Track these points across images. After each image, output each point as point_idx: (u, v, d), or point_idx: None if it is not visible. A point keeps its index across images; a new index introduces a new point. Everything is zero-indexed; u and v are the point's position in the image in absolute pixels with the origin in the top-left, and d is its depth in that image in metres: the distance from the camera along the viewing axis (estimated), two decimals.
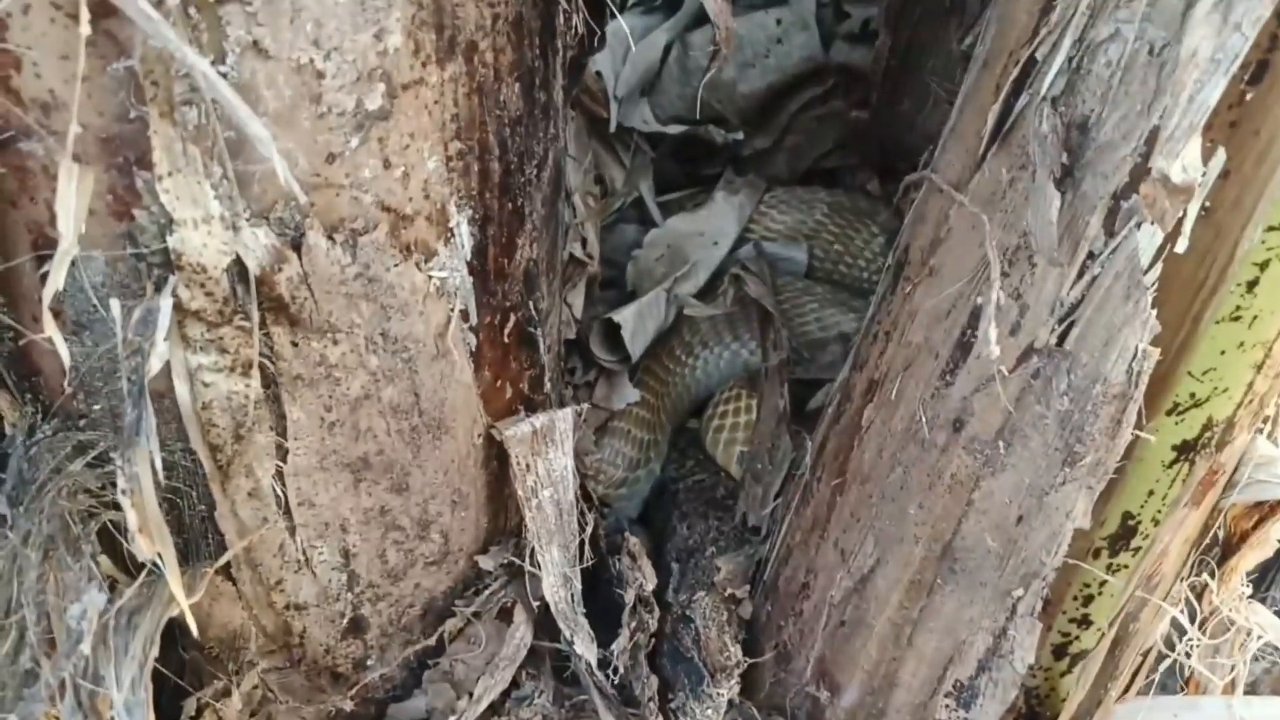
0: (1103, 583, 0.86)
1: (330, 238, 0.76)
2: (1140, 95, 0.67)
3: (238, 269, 0.74)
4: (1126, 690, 0.96)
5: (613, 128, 1.40)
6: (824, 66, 1.45)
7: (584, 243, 1.22)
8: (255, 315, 0.77)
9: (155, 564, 0.72)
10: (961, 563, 0.86)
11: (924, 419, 0.85)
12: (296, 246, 0.75)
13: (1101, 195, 0.70)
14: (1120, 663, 0.91)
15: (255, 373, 0.80)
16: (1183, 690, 1.00)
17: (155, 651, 0.74)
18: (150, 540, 0.68)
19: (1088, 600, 0.88)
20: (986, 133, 0.76)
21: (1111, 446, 0.78)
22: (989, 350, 0.76)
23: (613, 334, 1.27)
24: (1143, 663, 0.97)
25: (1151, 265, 0.71)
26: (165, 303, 0.70)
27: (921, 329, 0.84)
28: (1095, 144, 0.70)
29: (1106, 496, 0.81)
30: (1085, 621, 0.89)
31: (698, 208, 1.49)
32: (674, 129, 1.47)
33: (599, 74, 1.34)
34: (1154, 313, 0.72)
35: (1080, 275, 0.73)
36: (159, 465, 0.67)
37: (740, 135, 1.50)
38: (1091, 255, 0.72)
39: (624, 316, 1.25)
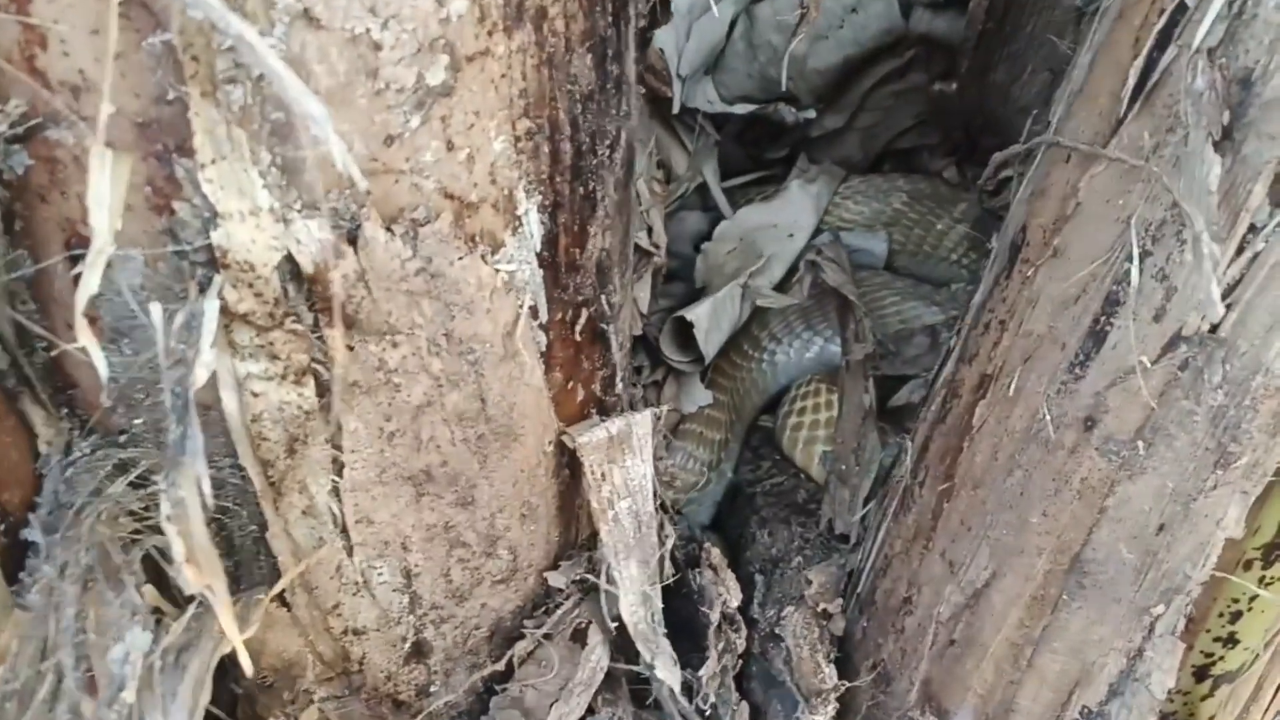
0: (1253, 597, 0.77)
1: (389, 229, 0.69)
2: None
3: (289, 266, 0.67)
4: (1266, 713, 0.87)
5: (676, 108, 1.32)
6: (903, 37, 1.36)
7: (649, 231, 1.14)
8: (308, 317, 0.70)
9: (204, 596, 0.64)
10: (1092, 577, 0.78)
11: (1048, 417, 0.76)
12: (352, 240, 0.68)
13: (1267, 159, 0.62)
14: (1265, 685, 0.82)
15: (309, 380, 0.73)
16: None
17: (207, 695, 0.67)
18: (198, 570, 0.61)
19: (1235, 617, 0.79)
20: (1126, 92, 0.67)
21: (1271, 445, 0.69)
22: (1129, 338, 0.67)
23: (683, 333, 1.19)
24: None
25: None
26: (211, 305, 0.63)
27: (1045, 317, 0.76)
28: (1260, 100, 0.61)
29: (1262, 501, 0.72)
30: (1231, 640, 0.80)
31: (770, 198, 1.40)
32: (741, 109, 1.38)
33: (661, 51, 1.26)
34: None
35: (1240, 251, 0.64)
36: (207, 487, 0.60)
37: (812, 114, 1.41)
38: (1254, 228, 0.64)
39: (697, 315, 1.17)
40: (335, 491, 0.80)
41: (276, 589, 0.74)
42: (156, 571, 0.74)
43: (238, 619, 0.72)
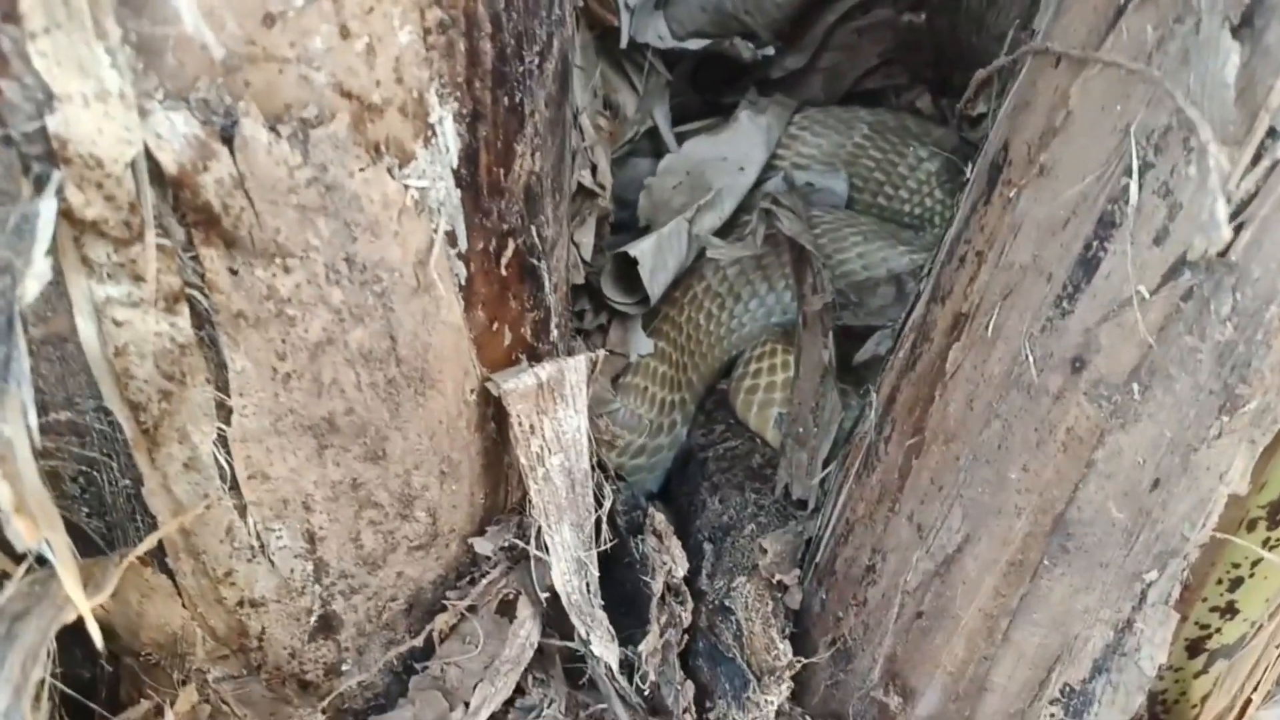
0: (1256, 561, 0.69)
1: (273, 129, 0.59)
2: None
3: (148, 166, 0.56)
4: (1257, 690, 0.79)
5: (624, 43, 1.22)
6: None
7: (594, 170, 1.04)
8: (178, 232, 0.60)
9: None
10: (1077, 539, 0.69)
11: (1031, 359, 0.67)
12: (227, 139, 0.58)
13: None
14: (1263, 660, 0.74)
15: (183, 308, 0.63)
16: None
17: (41, 670, 0.56)
18: (31, 522, 0.51)
19: (1236, 584, 0.71)
20: None
21: None
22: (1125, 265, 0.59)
23: (627, 272, 1.09)
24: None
25: None
26: (46, 205, 0.53)
27: (1029, 245, 0.67)
28: None
29: (1270, 453, 0.64)
30: (1230, 610, 0.72)
31: (718, 129, 1.30)
32: (694, 44, 1.29)
33: None
34: None
35: (1256, 160, 0.56)
36: (34, 420, 0.50)
37: (771, 51, 1.31)
38: (1274, 132, 0.55)
39: (641, 251, 1.07)
40: (222, 441, 0.70)
41: (143, 548, 0.64)
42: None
43: (94, 584, 0.62)
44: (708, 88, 1.40)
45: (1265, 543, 0.68)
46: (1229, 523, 0.67)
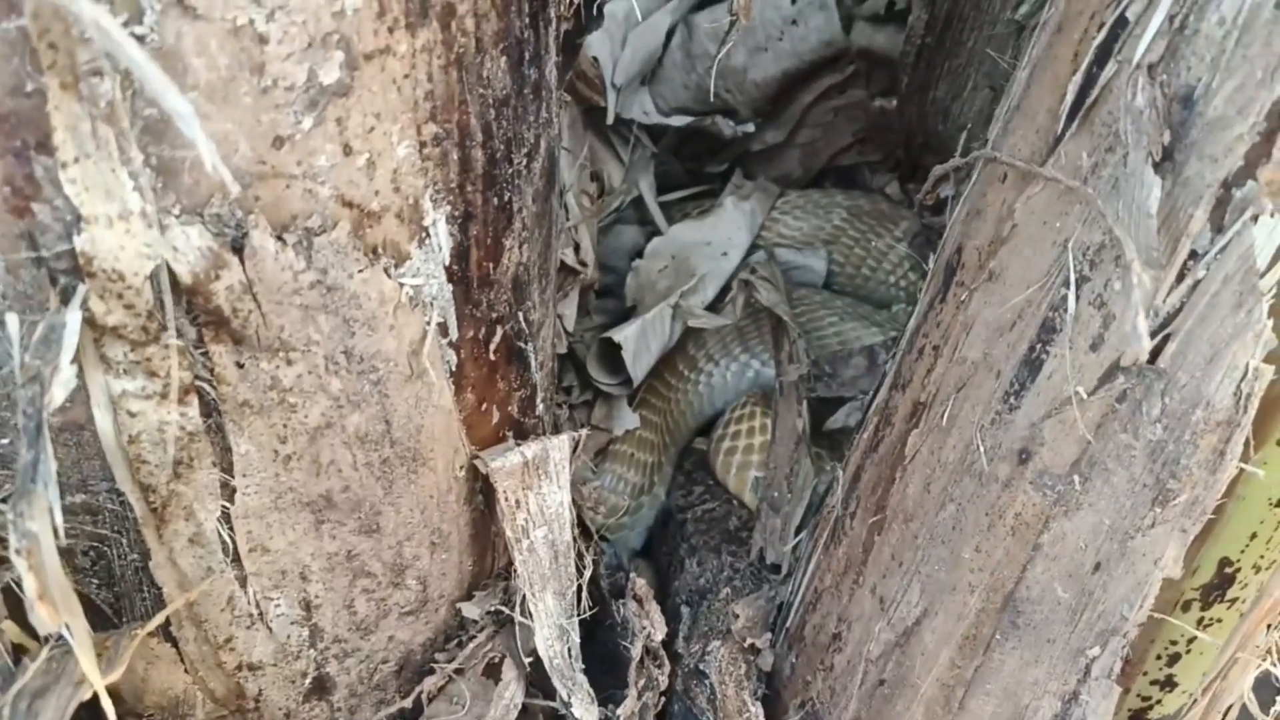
0: (1191, 639, 0.74)
1: (280, 238, 0.64)
2: (1262, 59, 0.56)
3: (165, 277, 0.61)
4: None
5: (610, 119, 1.27)
6: (844, 51, 1.33)
7: (576, 248, 1.09)
8: (190, 332, 0.64)
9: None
10: (1025, 616, 0.74)
11: (982, 448, 0.72)
12: (238, 249, 0.63)
13: (1209, 183, 0.58)
14: None
15: (193, 400, 0.68)
16: None
17: None
18: (53, 609, 0.55)
19: (1173, 660, 0.76)
20: (1065, 109, 0.64)
21: (1211, 482, 0.66)
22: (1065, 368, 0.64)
23: (612, 354, 1.14)
24: None
25: (1270, 268, 0.59)
26: (72, 317, 0.58)
27: (979, 343, 0.72)
28: (1203, 120, 0.58)
29: (1201, 540, 0.69)
30: (1169, 684, 0.77)
31: (704, 215, 1.36)
32: (678, 121, 1.34)
33: (595, 59, 1.21)
34: (1270, 324, 0.60)
35: (1180, 279, 0.61)
36: (59, 518, 0.54)
37: (751, 127, 1.37)
38: (1195, 255, 0.60)
39: (625, 336, 1.12)
40: (226, 518, 0.74)
41: (152, 624, 0.69)
42: (19, 607, 0.68)
43: (106, 658, 0.66)
44: (691, 158, 1.45)
45: (1199, 622, 0.73)
46: (1166, 604, 0.71)
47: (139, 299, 0.61)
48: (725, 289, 1.28)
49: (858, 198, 1.39)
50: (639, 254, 1.34)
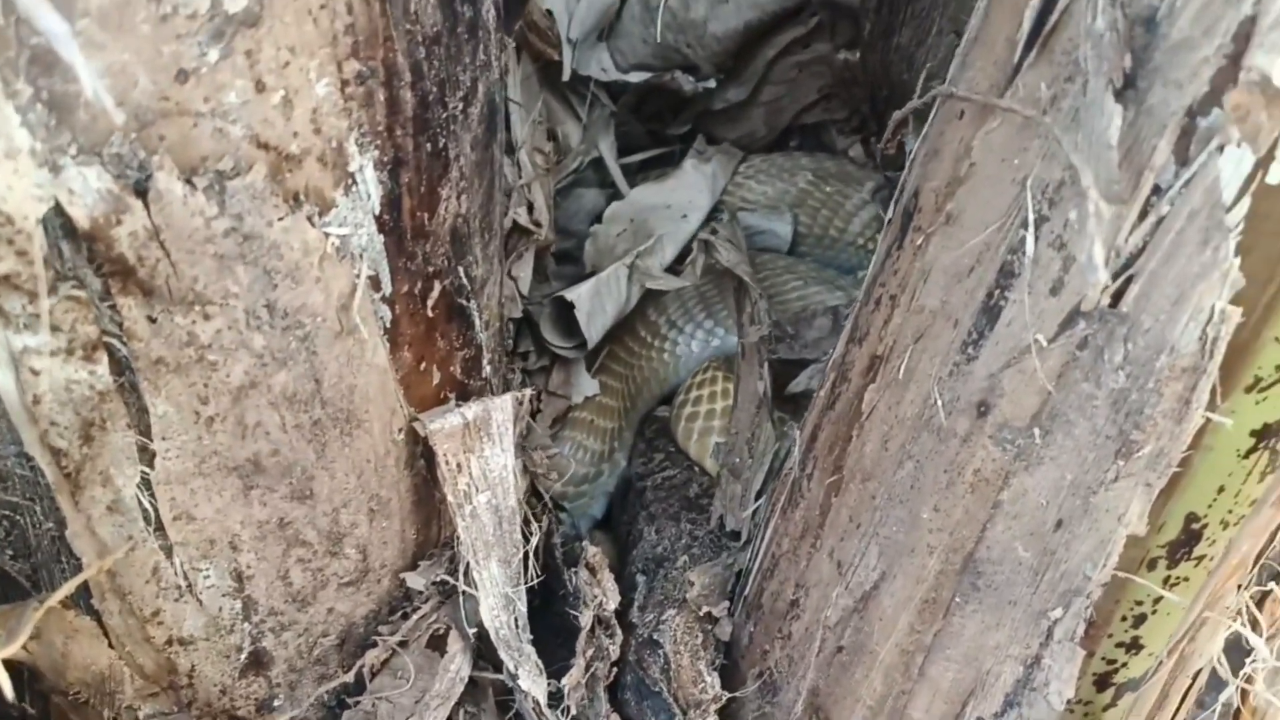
0: (1158, 599, 0.71)
1: (188, 181, 0.60)
2: None
3: (60, 221, 0.57)
4: None
5: (566, 75, 1.23)
6: (806, 2, 1.29)
7: (530, 207, 1.05)
8: (95, 283, 0.61)
9: None
10: (986, 578, 0.71)
11: (940, 402, 0.69)
12: (141, 193, 0.59)
13: (1174, 110, 0.55)
14: (1171, 692, 0.76)
15: (102, 357, 0.64)
16: None
17: None
18: None
19: (1139, 620, 0.73)
20: (1022, 36, 0.60)
21: (1177, 433, 0.62)
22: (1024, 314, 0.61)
23: (567, 316, 1.10)
24: (1190, 688, 0.83)
25: (1236, 201, 0.56)
26: None
27: (937, 291, 0.69)
28: (1166, 43, 0.54)
29: (1166, 495, 0.66)
30: (1135, 646, 0.74)
31: (664, 177, 1.32)
32: (636, 77, 1.30)
33: (549, 12, 1.17)
34: (1237, 262, 0.56)
35: (1143, 216, 0.58)
36: None
37: (712, 84, 1.33)
38: (1158, 190, 0.57)
39: (578, 295, 1.08)
40: (146, 484, 0.70)
41: (58, 595, 0.65)
42: None
43: (9, 630, 0.62)
44: (652, 118, 1.41)
45: (1165, 581, 0.70)
46: (1130, 562, 0.68)
47: (31, 245, 0.57)
48: (686, 252, 1.24)
49: (823, 160, 1.36)
50: (599, 218, 1.30)
